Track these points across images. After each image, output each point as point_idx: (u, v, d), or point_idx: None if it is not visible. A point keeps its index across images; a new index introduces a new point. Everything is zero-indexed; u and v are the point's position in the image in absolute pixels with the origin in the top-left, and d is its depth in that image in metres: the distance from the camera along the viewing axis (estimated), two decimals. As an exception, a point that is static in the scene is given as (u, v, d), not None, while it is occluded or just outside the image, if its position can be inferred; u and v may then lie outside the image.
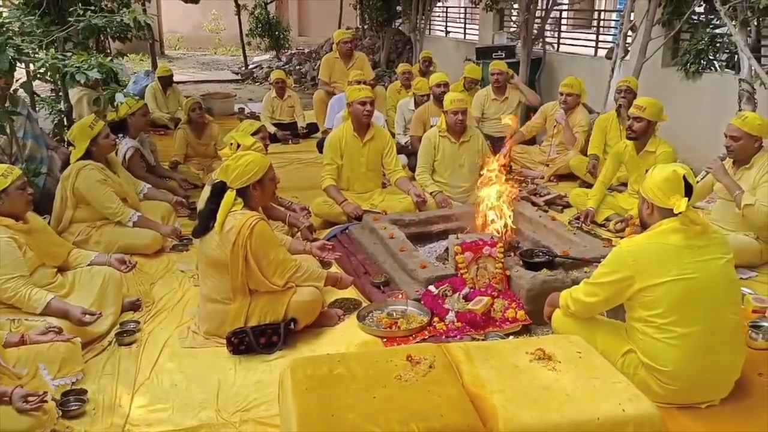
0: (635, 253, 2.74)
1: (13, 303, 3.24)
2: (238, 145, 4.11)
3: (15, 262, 3.28)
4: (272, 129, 7.96)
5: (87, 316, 3.29)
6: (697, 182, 4.33)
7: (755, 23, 5.82)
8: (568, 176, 6.40)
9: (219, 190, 3.40)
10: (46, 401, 2.59)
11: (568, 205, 5.71)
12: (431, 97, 6.80)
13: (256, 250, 3.29)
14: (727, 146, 4.31)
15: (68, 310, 3.28)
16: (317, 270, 3.66)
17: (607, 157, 5.48)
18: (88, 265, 3.81)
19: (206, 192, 3.87)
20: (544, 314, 3.28)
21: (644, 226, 2.92)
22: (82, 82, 3.57)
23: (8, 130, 4.19)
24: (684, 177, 2.73)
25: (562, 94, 6.54)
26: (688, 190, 2.73)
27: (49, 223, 4.30)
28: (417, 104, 7.20)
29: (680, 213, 2.68)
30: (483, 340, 3.35)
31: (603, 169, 5.40)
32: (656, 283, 2.66)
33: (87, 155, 4.44)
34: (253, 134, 4.50)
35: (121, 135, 5.45)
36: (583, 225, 5.04)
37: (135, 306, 3.80)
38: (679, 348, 2.67)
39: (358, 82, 6.84)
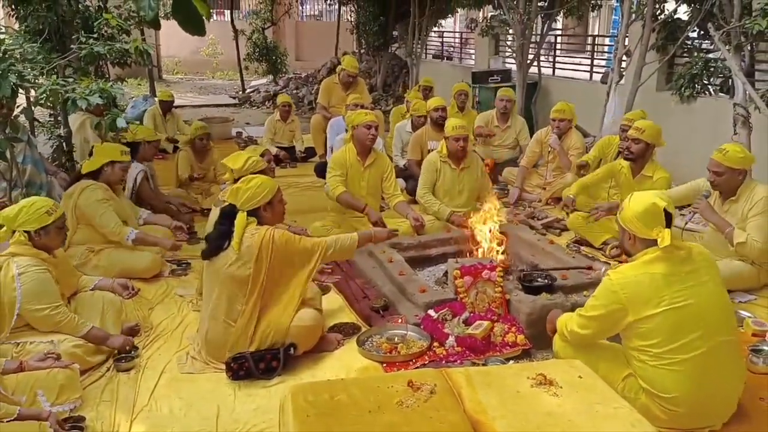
0: (625, 285, 2.71)
1: (60, 328, 3.30)
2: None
3: (56, 292, 3.36)
4: (275, 150, 7.97)
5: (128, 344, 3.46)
6: (685, 225, 4.39)
7: (749, 48, 5.90)
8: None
9: (228, 212, 3.42)
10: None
11: (565, 229, 5.72)
12: (429, 120, 6.83)
13: (284, 253, 3.36)
14: (711, 181, 4.32)
15: (108, 337, 3.44)
16: (346, 238, 3.69)
17: (602, 167, 5.54)
18: (91, 289, 3.82)
19: (214, 215, 3.88)
20: (548, 330, 3.27)
21: (627, 254, 2.92)
22: (84, 107, 3.59)
23: (8, 156, 4.21)
24: (665, 209, 2.72)
25: (554, 120, 6.58)
26: (668, 220, 2.73)
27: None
28: (414, 126, 7.23)
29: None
30: (483, 364, 3.34)
31: (593, 172, 5.46)
32: (649, 314, 2.66)
33: (98, 173, 4.51)
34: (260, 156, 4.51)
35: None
36: (565, 209, 5.03)
37: (134, 331, 3.78)
38: (678, 374, 2.67)
39: (356, 105, 6.89)
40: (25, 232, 3.36)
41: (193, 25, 1.93)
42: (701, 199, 4.36)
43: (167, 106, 8.99)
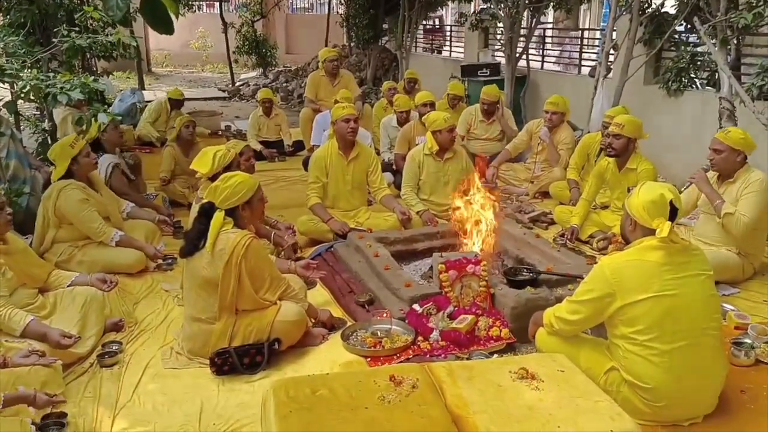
0: (616, 269, 2.75)
1: None
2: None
3: None
4: (258, 147, 7.94)
5: (65, 338, 3.22)
6: (681, 191, 4.38)
7: (735, 42, 5.92)
8: (553, 193, 6.42)
9: (207, 210, 3.38)
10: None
11: (552, 222, 5.73)
12: (417, 115, 6.80)
13: (252, 267, 3.29)
14: (710, 159, 4.35)
15: (46, 332, 3.22)
16: (302, 294, 3.67)
17: (590, 175, 5.49)
18: (69, 285, 3.77)
19: (194, 211, 3.85)
20: (529, 333, 3.29)
21: (626, 241, 2.96)
22: (64, 102, 3.55)
23: (-9, 151, 4.18)
24: (671, 202, 2.74)
25: (547, 112, 6.54)
26: (673, 214, 2.75)
27: (31, 243, 4.26)
28: (399, 121, 7.22)
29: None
30: (467, 358, 3.35)
31: (586, 186, 5.42)
32: (637, 299, 2.68)
33: (68, 174, 4.42)
34: (239, 154, 4.50)
35: (100, 153, 5.42)
36: (568, 242, 5.07)
37: (117, 327, 3.76)
38: (661, 365, 2.68)
39: (344, 99, 6.85)
40: None
41: (162, 23, 1.91)
42: (699, 170, 4.39)
43: (176, 105, 8.61)
